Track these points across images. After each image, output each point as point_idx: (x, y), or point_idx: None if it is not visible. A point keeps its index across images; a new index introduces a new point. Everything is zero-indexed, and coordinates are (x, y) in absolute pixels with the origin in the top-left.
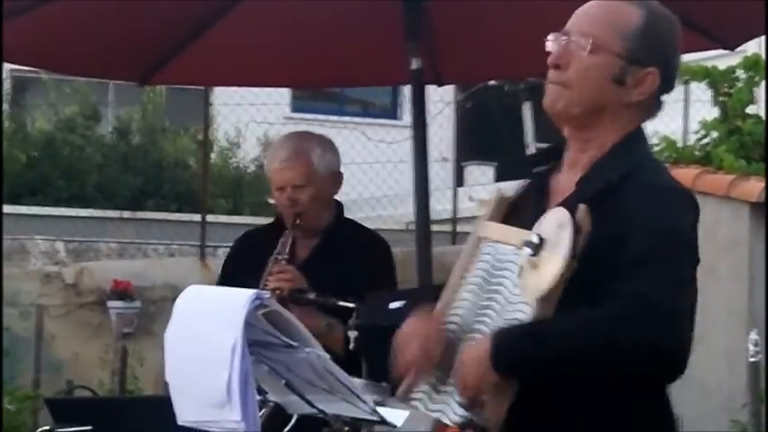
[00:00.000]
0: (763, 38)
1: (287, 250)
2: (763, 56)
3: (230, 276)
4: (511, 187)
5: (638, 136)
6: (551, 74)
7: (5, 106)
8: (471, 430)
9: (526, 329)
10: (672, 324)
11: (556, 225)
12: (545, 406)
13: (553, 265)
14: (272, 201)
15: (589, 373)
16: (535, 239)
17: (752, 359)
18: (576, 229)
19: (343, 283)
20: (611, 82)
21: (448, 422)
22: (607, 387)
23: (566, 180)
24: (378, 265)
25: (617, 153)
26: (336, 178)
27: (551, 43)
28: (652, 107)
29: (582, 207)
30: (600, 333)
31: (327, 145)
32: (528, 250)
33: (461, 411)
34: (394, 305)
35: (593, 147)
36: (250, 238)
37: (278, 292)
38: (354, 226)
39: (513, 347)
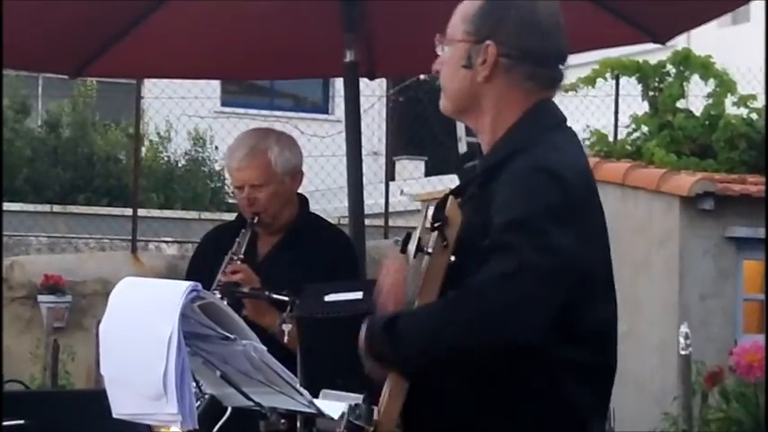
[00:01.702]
0: (692, 32)
1: (243, 249)
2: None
3: (195, 273)
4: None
5: (530, 117)
6: None
7: None
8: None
9: (380, 327)
10: (496, 315)
11: (422, 220)
12: (437, 411)
13: (413, 258)
14: (231, 200)
15: (434, 365)
16: (402, 237)
17: (682, 352)
18: (445, 222)
19: (303, 279)
20: (461, 68)
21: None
22: (501, 391)
23: None
24: (339, 261)
25: (504, 138)
26: (296, 175)
27: None
28: (518, 81)
29: (449, 199)
30: (429, 326)
31: (286, 142)
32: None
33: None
34: (330, 297)
35: (485, 135)
36: (216, 235)
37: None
38: (317, 221)
39: (375, 344)
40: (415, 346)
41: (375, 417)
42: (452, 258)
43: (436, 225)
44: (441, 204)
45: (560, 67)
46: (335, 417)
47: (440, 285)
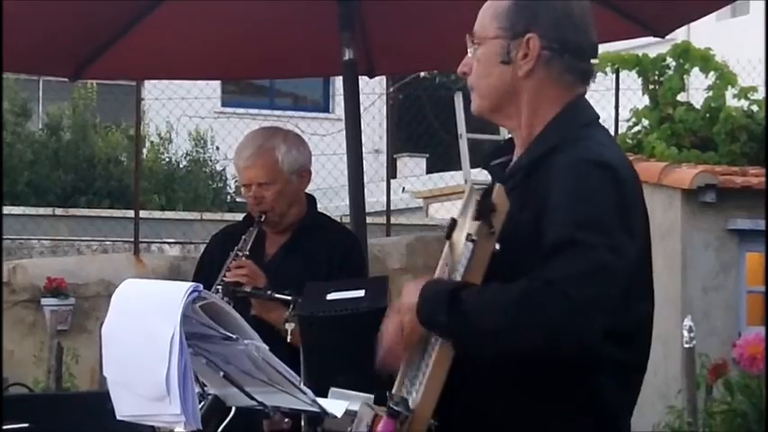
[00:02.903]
0: (691, 25)
1: (248, 246)
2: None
3: (203, 272)
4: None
5: (570, 111)
6: (468, 83)
7: None
8: (387, 417)
9: (443, 298)
10: (575, 313)
11: (468, 207)
12: (473, 403)
13: (461, 245)
14: (234, 199)
15: (492, 348)
16: (448, 223)
17: (686, 345)
18: (490, 209)
19: (310, 278)
20: (499, 65)
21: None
22: (537, 387)
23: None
24: (346, 261)
25: (546, 131)
26: (304, 174)
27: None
28: (557, 74)
29: (497, 186)
30: (503, 312)
31: (294, 141)
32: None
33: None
34: (332, 296)
35: (522, 132)
36: (223, 235)
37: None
38: (325, 221)
39: (432, 310)
40: (482, 333)
41: (411, 405)
42: (497, 246)
43: (482, 212)
44: (487, 192)
45: (592, 61)
46: (338, 414)
47: (484, 273)
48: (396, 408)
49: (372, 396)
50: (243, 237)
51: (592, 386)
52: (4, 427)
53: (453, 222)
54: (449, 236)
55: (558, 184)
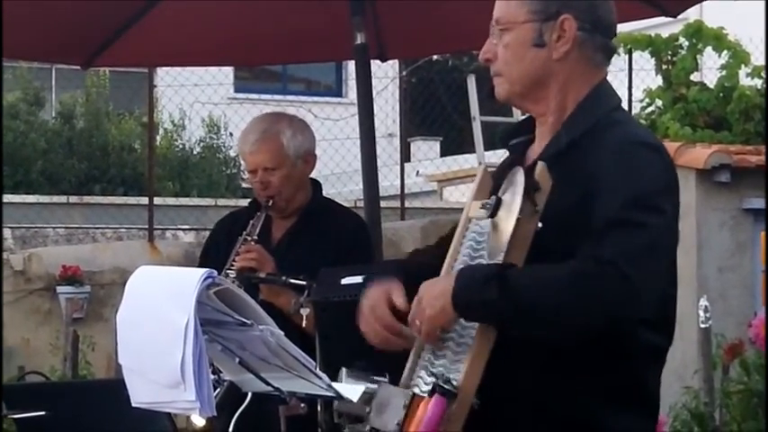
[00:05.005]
0: (704, 3)
1: (257, 231)
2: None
3: (208, 257)
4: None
5: (601, 92)
6: (491, 70)
7: None
8: (438, 395)
9: (492, 273)
10: (632, 292)
11: (511, 185)
12: (516, 380)
13: (508, 223)
14: (247, 185)
15: (546, 327)
16: (491, 200)
17: (702, 325)
18: (534, 187)
19: (318, 263)
20: (532, 48)
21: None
22: (580, 370)
23: (537, 150)
24: (353, 244)
25: (580, 112)
26: (309, 159)
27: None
28: (590, 54)
29: (539, 164)
30: (559, 290)
31: (299, 126)
32: (486, 212)
33: (431, 379)
34: (346, 281)
35: (551, 114)
36: (229, 220)
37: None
38: (331, 205)
39: (475, 290)
40: (535, 312)
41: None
42: (539, 225)
43: (527, 191)
44: (529, 170)
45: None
46: (354, 399)
47: (527, 252)
48: (445, 386)
49: (385, 378)
50: (251, 222)
51: (634, 370)
52: (21, 416)
53: (498, 201)
54: (493, 214)
55: (608, 165)
